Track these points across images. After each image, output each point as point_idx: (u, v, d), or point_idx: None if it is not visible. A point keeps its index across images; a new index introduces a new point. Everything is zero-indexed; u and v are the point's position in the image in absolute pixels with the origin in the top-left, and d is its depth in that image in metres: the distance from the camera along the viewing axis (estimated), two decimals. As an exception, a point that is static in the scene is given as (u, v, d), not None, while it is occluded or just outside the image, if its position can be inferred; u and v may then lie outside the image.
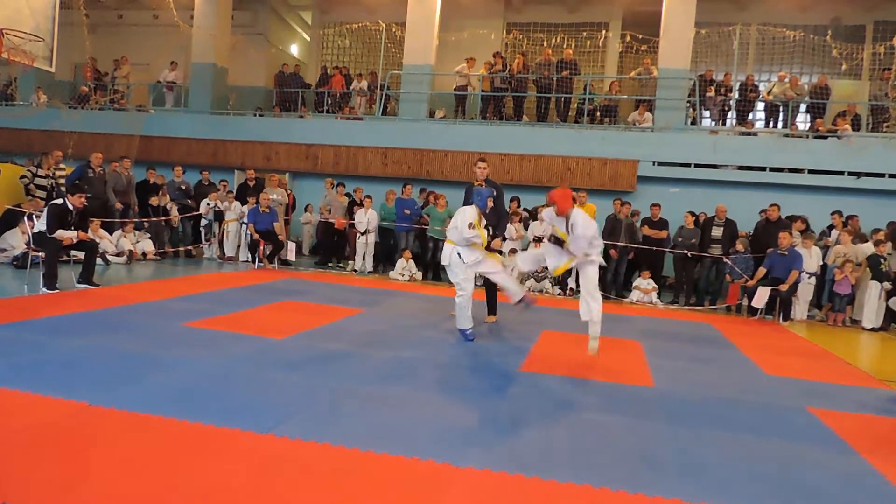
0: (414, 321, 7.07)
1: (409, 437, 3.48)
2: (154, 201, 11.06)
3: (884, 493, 3.26)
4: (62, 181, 10.08)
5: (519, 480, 3.02)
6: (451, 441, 3.46)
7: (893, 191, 11.54)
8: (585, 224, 5.66)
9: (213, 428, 3.34)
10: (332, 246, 12.28)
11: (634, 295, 10.40)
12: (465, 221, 6.04)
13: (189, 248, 11.68)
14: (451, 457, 3.21)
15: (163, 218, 11.10)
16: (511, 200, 10.89)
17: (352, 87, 15.40)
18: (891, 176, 11.58)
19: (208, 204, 11.69)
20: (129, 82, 16.48)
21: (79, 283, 7.45)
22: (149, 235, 10.81)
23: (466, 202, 7.51)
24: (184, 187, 11.96)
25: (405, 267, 10.95)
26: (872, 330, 9.17)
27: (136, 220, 10.77)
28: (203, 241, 11.90)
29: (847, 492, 3.24)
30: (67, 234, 7.32)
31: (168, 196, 11.44)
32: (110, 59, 16.64)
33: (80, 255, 7.71)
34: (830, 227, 10.61)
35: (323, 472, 2.96)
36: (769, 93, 13.40)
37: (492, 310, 7.39)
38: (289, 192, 12.65)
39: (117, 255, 9.90)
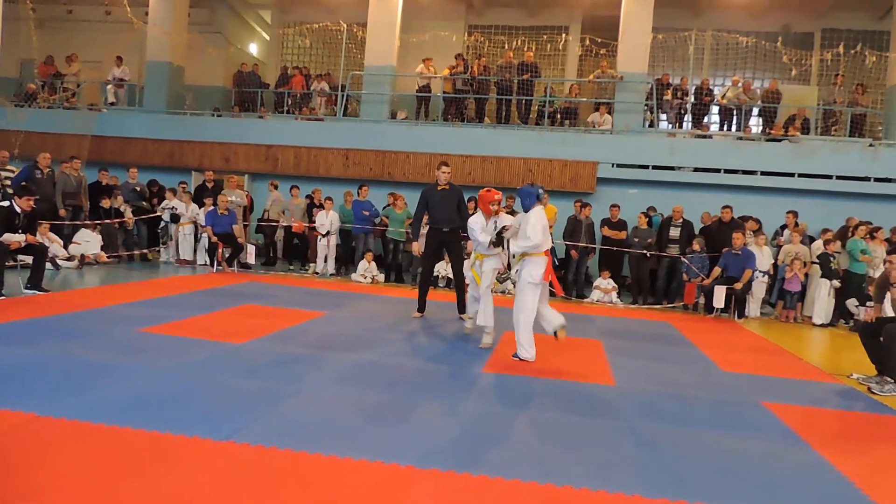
0: (377, 323, 7.03)
1: (373, 440, 3.45)
2: (106, 203, 10.73)
3: (835, 484, 3.36)
4: (7, 182, 9.70)
5: (483, 481, 3.02)
6: (415, 443, 3.44)
7: (841, 192, 11.96)
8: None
9: (171, 436, 3.26)
10: (290, 249, 12.12)
11: (595, 295, 10.54)
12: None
13: (144, 251, 11.38)
14: (415, 459, 3.19)
15: (116, 220, 10.77)
16: (469, 201, 10.89)
17: (312, 88, 15.23)
18: (838, 178, 12.01)
19: (164, 206, 11.40)
20: (79, 80, 15.97)
21: (27, 288, 7.18)
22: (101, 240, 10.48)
23: (427, 204, 7.49)
24: (138, 189, 11.65)
25: (367, 269, 10.88)
26: (823, 326, 9.49)
27: (87, 222, 10.43)
28: (160, 245, 11.60)
29: (801, 483, 3.34)
30: (15, 238, 7.05)
31: (121, 198, 11.11)
32: (59, 55, 16.10)
33: (29, 259, 7.43)
34: (783, 227, 10.94)
35: (285, 479, 2.91)
36: (723, 97, 13.74)
37: (462, 308, 7.44)
38: (245, 193, 12.44)
39: (68, 259, 9.57)
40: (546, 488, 2.99)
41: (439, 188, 7.46)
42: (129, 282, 9.03)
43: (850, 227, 10.24)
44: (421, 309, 7.67)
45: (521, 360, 5.58)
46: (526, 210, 5.75)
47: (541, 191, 5.79)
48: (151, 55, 15.10)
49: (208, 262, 10.86)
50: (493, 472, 3.10)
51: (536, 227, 5.48)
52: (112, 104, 15.44)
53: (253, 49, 19.19)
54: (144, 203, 11.52)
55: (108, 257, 10.38)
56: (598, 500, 2.93)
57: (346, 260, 11.75)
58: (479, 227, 6.26)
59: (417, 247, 7.72)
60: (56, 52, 16.22)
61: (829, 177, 12.06)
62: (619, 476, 3.22)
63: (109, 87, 15.50)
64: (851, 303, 9.37)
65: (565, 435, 3.81)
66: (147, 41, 15.06)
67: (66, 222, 10.13)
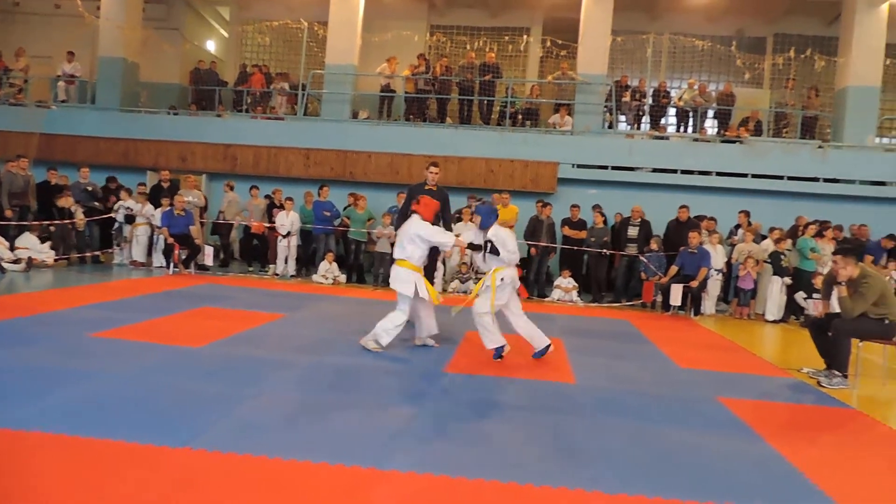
0: (338, 325, 6.96)
1: (333, 443, 3.41)
2: (62, 202, 10.37)
3: (786, 475, 3.46)
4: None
5: (444, 481, 3.01)
6: (376, 445, 3.42)
7: (792, 192, 12.35)
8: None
9: (125, 444, 3.16)
10: (250, 250, 11.91)
11: (555, 294, 10.65)
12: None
13: (97, 253, 11.04)
14: (376, 461, 3.17)
15: (66, 221, 10.42)
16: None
17: (272, 87, 15.02)
18: (789, 178, 12.40)
19: (119, 207, 11.08)
20: (27, 76, 15.41)
21: (-29, 291, 6.90)
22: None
23: (410, 203, 7.06)
24: (90, 188, 11.28)
25: (328, 270, 10.78)
26: (775, 322, 9.77)
27: (34, 223, 10.07)
28: (113, 246, 11.26)
29: (754, 475, 3.42)
30: (-42, 240, 6.77)
31: (72, 198, 10.75)
32: (6, 49, 15.50)
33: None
34: (738, 227, 11.22)
35: (244, 485, 2.85)
36: (680, 99, 14.04)
37: None
38: (201, 194, 12.16)
39: (14, 262, 9.22)
40: (509, 486, 3.01)
41: (427, 188, 7.27)
42: (81, 285, 8.76)
43: (800, 225, 10.58)
44: None
45: (502, 357, 5.69)
46: (486, 228, 5.81)
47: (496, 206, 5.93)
48: (104, 51, 14.66)
49: (164, 265, 10.60)
50: (454, 473, 3.10)
51: (513, 241, 5.79)
52: (62, 101, 14.96)
53: (211, 46, 18.81)
54: (97, 203, 11.17)
55: (56, 259, 10.04)
56: (559, 497, 2.95)
57: (306, 261, 11.62)
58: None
59: None
60: (2, 46, 15.61)
61: (781, 177, 12.44)
62: (580, 473, 3.25)
63: (60, 83, 14.99)
64: (800, 296, 9.69)
65: (527, 433, 3.83)
66: (99, 36, 14.63)
67: (13, 223, 9.77)
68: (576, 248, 10.94)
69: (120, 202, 11.08)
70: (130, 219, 11.02)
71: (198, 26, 18.09)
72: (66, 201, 10.48)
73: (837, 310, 5.95)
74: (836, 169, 12.39)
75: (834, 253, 6.09)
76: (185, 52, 16.72)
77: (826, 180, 12.40)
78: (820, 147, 12.71)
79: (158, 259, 10.84)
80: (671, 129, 14.29)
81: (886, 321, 5.62)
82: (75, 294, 7.77)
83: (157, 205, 10.98)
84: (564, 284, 10.66)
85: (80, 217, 10.61)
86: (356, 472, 3.05)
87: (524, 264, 11.20)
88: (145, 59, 15.54)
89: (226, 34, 18.71)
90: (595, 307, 10.28)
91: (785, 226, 10.92)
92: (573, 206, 11.26)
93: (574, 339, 7.03)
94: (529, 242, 10.89)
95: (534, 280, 10.95)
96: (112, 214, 11.08)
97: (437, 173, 7.37)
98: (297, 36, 15.42)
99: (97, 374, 4.35)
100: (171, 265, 10.39)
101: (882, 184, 12.41)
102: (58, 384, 4.06)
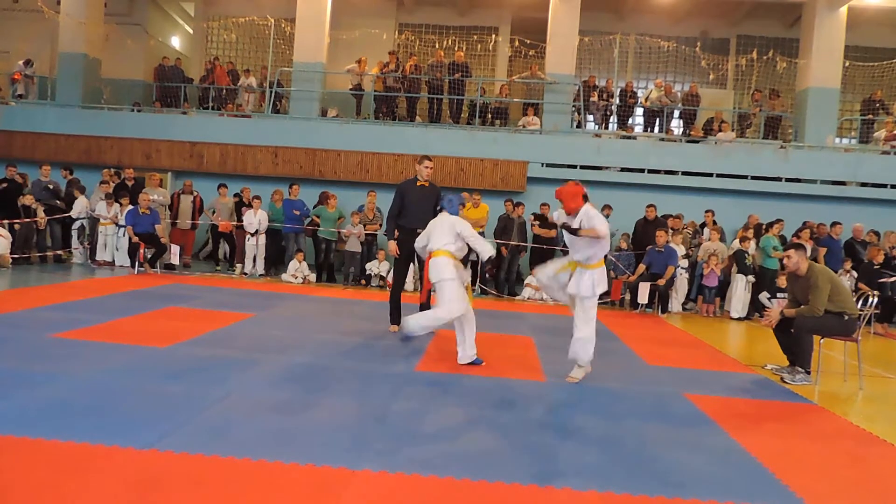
0: (308, 325, 6.90)
1: (304, 443, 3.38)
2: (27, 200, 10.06)
3: (746, 466, 3.55)
4: None
5: (416, 480, 3.01)
6: (346, 445, 3.40)
7: (755, 191, 12.64)
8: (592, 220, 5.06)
9: (89, 446, 3.09)
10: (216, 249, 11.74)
11: (526, 292, 10.71)
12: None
13: (58, 252, 10.75)
14: (347, 461, 3.15)
15: (26, 220, 10.11)
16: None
17: (239, 84, 14.82)
18: (753, 178, 12.69)
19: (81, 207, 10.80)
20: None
21: (-75, 293, 6.66)
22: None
23: (403, 201, 6.68)
24: (51, 186, 10.98)
25: (298, 269, 10.67)
26: (740, 319, 9.98)
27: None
28: (74, 245, 10.96)
29: (719, 469, 3.49)
30: None
31: (32, 196, 10.45)
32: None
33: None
34: (703, 226, 11.41)
35: (212, 486, 2.81)
36: (647, 99, 14.25)
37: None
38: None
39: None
40: (479, 484, 3.02)
41: (418, 184, 6.72)
42: (41, 285, 8.51)
43: (764, 224, 10.82)
44: (395, 321, 6.74)
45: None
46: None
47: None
48: (64, 46, 14.32)
49: (129, 264, 10.36)
50: (426, 472, 3.10)
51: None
52: (20, 96, 14.55)
53: (175, 42, 18.49)
54: (58, 202, 10.87)
55: (15, 258, 9.74)
56: (529, 494, 2.97)
57: (275, 260, 11.48)
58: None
59: (395, 246, 6.65)
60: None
61: (745, 177, 12.71)
62: (550, 470, 3.27)
63: (22, 79, 14.57)
64: (763, 296, 9.91)
65: (497, 431, 3.85)
66: (60, 31, 14.28)
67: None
68: (546, 246, 11.01)
69: (81, 199, 10.81)
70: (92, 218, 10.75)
71: (161, 22, 17.76)
72: (27, 199, 10.20)
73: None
74: (798, 169, 12.72)
75: (786, 248, 6.22)
76: (148, 48, 16.42)
77: (788, 180, 12.73)
78: (782, 147, 13.03)
79: (122, 258, 10.59)
80: (638, 129, 14.50)
81: (846, 317, 5.78)
82: (35, 294, 7.55)
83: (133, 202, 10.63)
84: (535, 283, 10.71)
85: (41, 216, 10.33)
86: (327, 472, 3.03)
87: (494, 263, 11.27)
88: (107, 55, 15.22)
89: (190, 30, 18.40)
90: (565, 305, 10.33)
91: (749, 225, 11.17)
92: (543, 204, 11.34)
93: (544, 337, 7.08)
94: (500, 241, 10.94)
95: (504, 279, 11.01)
96: (73, 215, 10.80)
97: (430, 168, 6.78)
98: (263, 33, 15.26)
99: (59, 375, 4.24)
100: (137, 264, 10.17)
101: (842, 183, 12.78)
102: (18, 386, 3.94)
